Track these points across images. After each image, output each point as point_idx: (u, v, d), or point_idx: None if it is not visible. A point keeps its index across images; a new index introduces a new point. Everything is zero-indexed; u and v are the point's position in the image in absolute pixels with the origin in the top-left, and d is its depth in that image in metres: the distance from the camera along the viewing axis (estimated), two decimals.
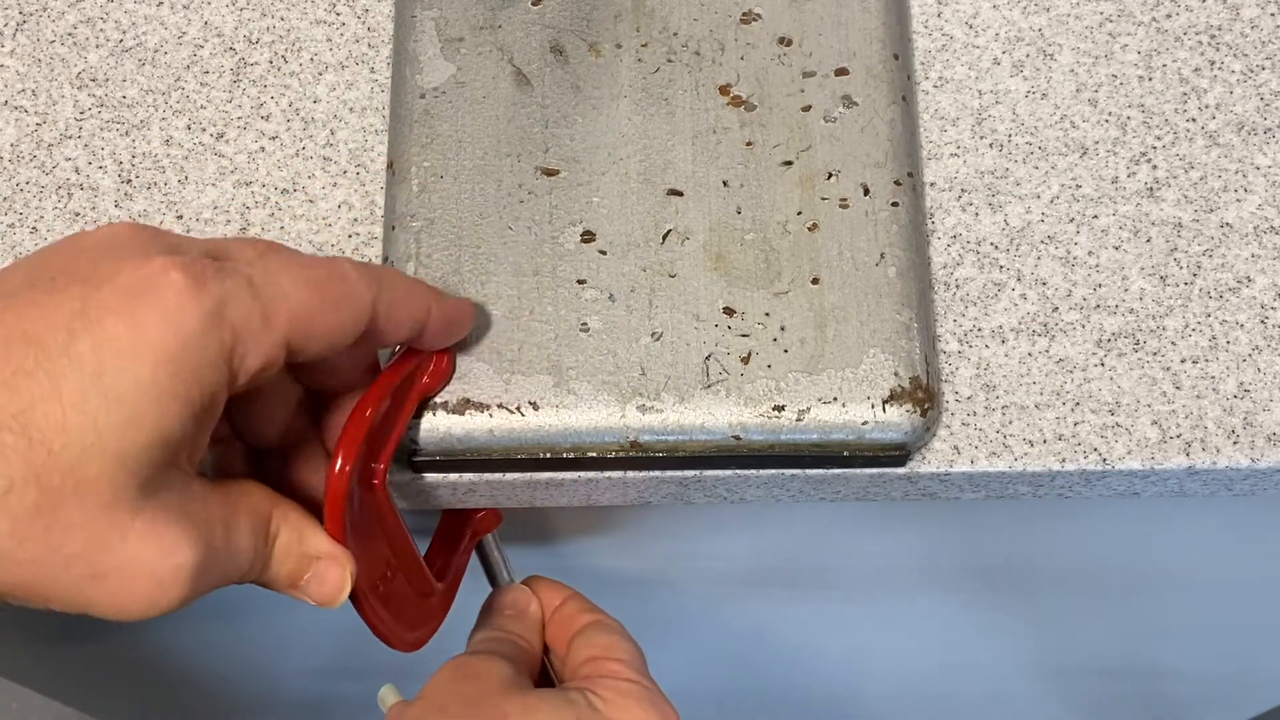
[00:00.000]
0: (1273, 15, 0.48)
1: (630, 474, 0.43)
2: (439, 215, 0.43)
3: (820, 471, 0.43)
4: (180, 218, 0.46)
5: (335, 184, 0.47)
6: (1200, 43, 0.48)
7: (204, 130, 0.47)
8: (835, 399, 0.41)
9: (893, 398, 0.41)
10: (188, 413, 0.31)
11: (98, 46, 0.49)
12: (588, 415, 0.41)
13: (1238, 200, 0.46)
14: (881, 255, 0.43)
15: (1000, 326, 0.44)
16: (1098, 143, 0.46)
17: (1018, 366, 0.44)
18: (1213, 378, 0.43)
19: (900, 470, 0.43)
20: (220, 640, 0.78)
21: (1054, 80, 0.47)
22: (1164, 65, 0.47)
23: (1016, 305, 0.44)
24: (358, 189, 0.47)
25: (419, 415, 0.41)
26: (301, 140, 0.47)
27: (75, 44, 0.49)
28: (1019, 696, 0.91)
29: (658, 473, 0.43)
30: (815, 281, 0.42)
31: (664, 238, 0.43)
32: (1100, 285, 0.45)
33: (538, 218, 0.43)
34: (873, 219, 0.43)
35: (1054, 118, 0.47)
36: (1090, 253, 0.45)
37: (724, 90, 0.45)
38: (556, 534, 0.60)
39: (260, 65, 0.48)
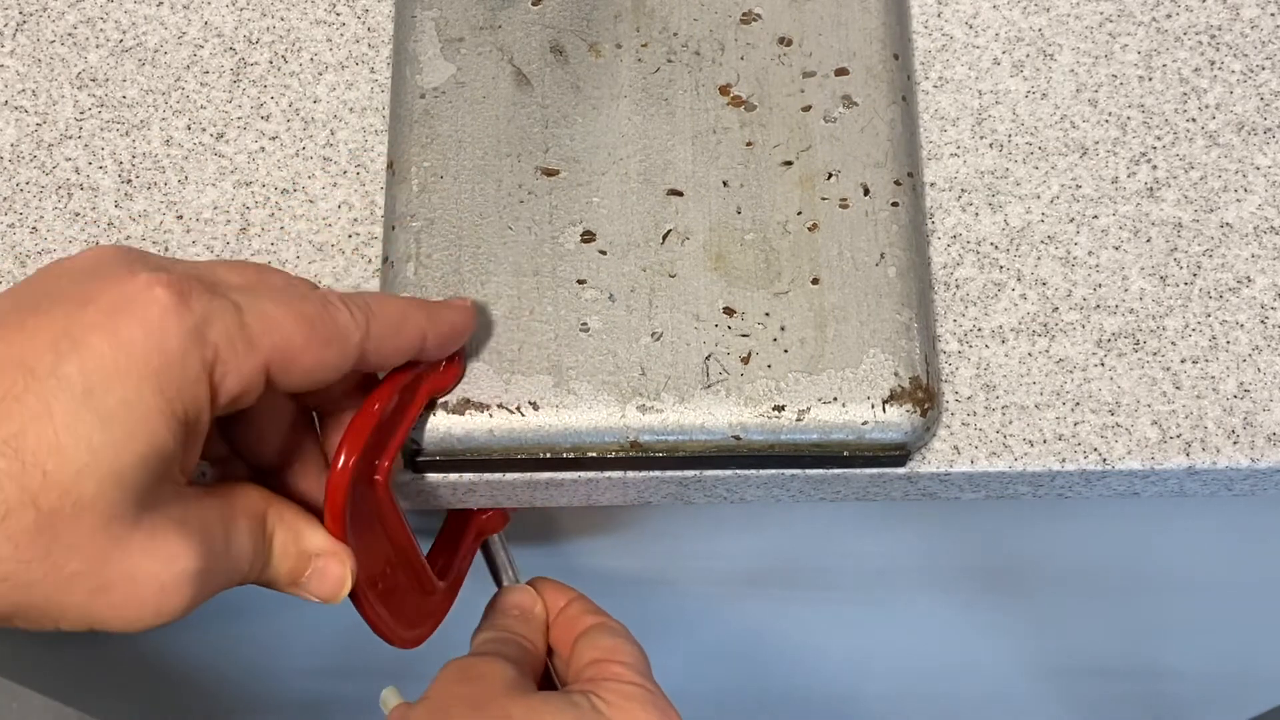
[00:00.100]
0: (1273, 15, 0.48)
1: (630, 474, 0.43)
2: (439, 215, 0.43)
3: (820, 471, 0.43)
4: (180, 218, 0.46)
5: (335, 184, 0.47)
6: (1200, 43, 0.48)
7: (204, 130, 0.47)
8: (835, 399, 0.41)
9: (893, 398, 0.41)
10: (176, 427, 0.31)
11: (98, 46, 0.49)
12: (588, 415, 0.41)
13: (1238, 200, 0.46)
14: (881, 255, 0.43)
15: (1000, 326, 0.44)
16: (1098, 143, 0.46)
17: (1018, 366, 0.44)
18: (1213, 378, 0.43)
19: (900, 470, 0.43)
20: (220, 640, 0.78)
21: (1054, 80, 0.47)
22: (1164, 65, 0.47)
23: (1016, 305, 0.44)
24: (358, 189, 0.47)
25: (426, 414, 0.41)
26: (301, 140, 0.47)
27: (75, 44, 0.49)
28: (1019, 696, 0.91)
29: (658, 473, 0.43)
30: (815, 281, 0.42)
31: (664, 238, 0.43)
32: (1100, 285, 0.45)
33: (538, 218, 0.43)
34: (873, 219, 0.43)
35: (1054, 118, 0.47)
36: (1090, 253, 0.45)
37: (724, 90, 0.45)
38: (556, 534, 0.60)
39: (260, 65, 0.48)
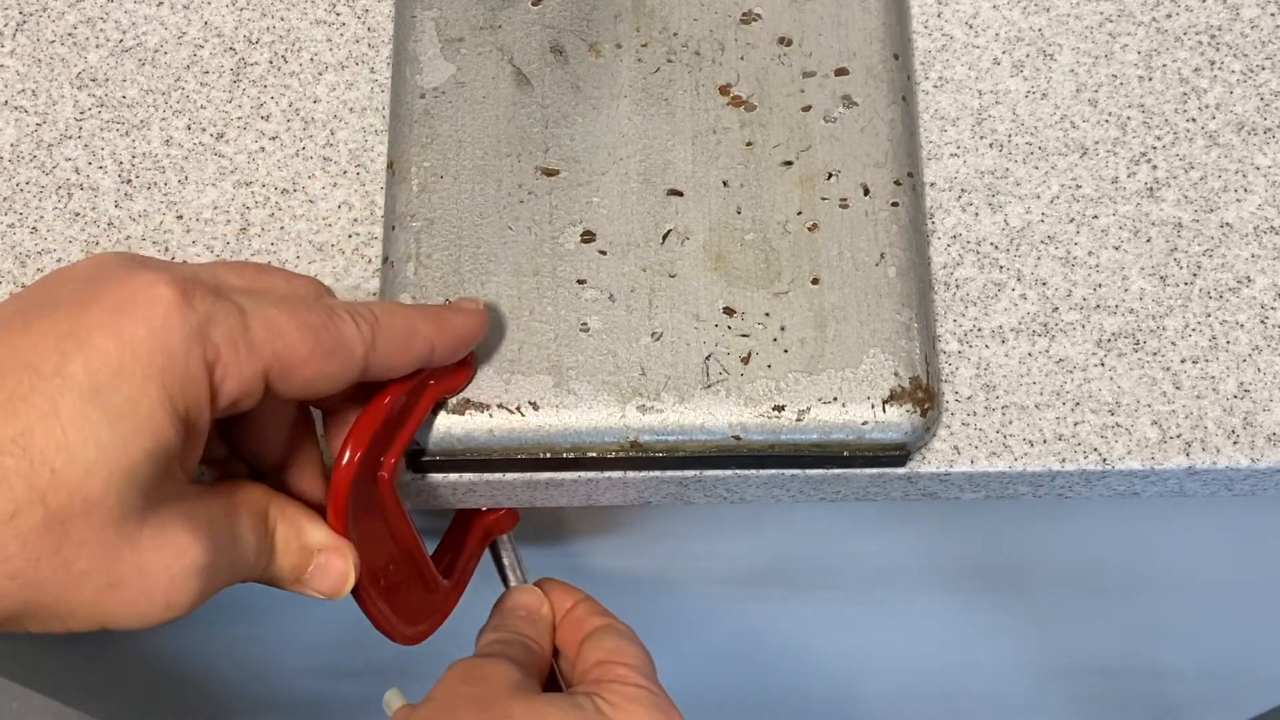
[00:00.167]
0: (1273, 15, 0.48)
1: (630, 474, 0.43)
2: (439, 215, 0.43)
3: (820, 471, 0.43)
4: (180, 218, 0.46)
5: (335, 184, 0.47)
6: (1200, 43, 0.48)
7: (204, 130, 0.47)
8: (835, 399, 0.41)
9: (893, 398, 0.41)
10: (180, 424, 0.31)
11: (98, 46, 0.49)
12: (588, 415, 0.41)
13: (1238, 200, 0.46)
14: (881, 255, 0.43)
15: (1000, 326, 0.44)
16: (1098, 143, 0.46)
17: (1018, 366, 0.44)
18: (1213, 378, 0.43)
19: (900, 470, 0.43)
20: (220, 640, 0.78)
21: (1054, 80, 0.47)
22: (1164, 65, 0.47)
23: (1016, 305, 0.44)
24: (358, 189, 0.47)
25: (435, 413, 0.41)
26: (301, 140, 0.47)
27: (75, 44, 0.49)
28: (1019, 696, 0.91)
29: (658, 473, 0.43)
30: (815, 281, 0.42)
31: (664, 238, 0.43)
32: (1100, 285, 0.45)
33: (538, 218, 0.43)
34: (873, 219, 0.43)
35: (1054, 118, 0.47)
36: (1090, 253, 0.45)
37: (724, 90, 0.45)
38: (557, 534, 0.60)
39: (260, 65, 0.48)
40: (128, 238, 0.46)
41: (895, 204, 0.43)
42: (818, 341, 0.42)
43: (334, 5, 0.49)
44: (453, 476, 0.43)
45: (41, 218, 0.46)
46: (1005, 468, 0.43)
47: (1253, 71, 0.47)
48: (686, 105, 0.45)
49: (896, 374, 0.41)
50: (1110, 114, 0.47)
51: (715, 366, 0.41)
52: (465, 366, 0.41)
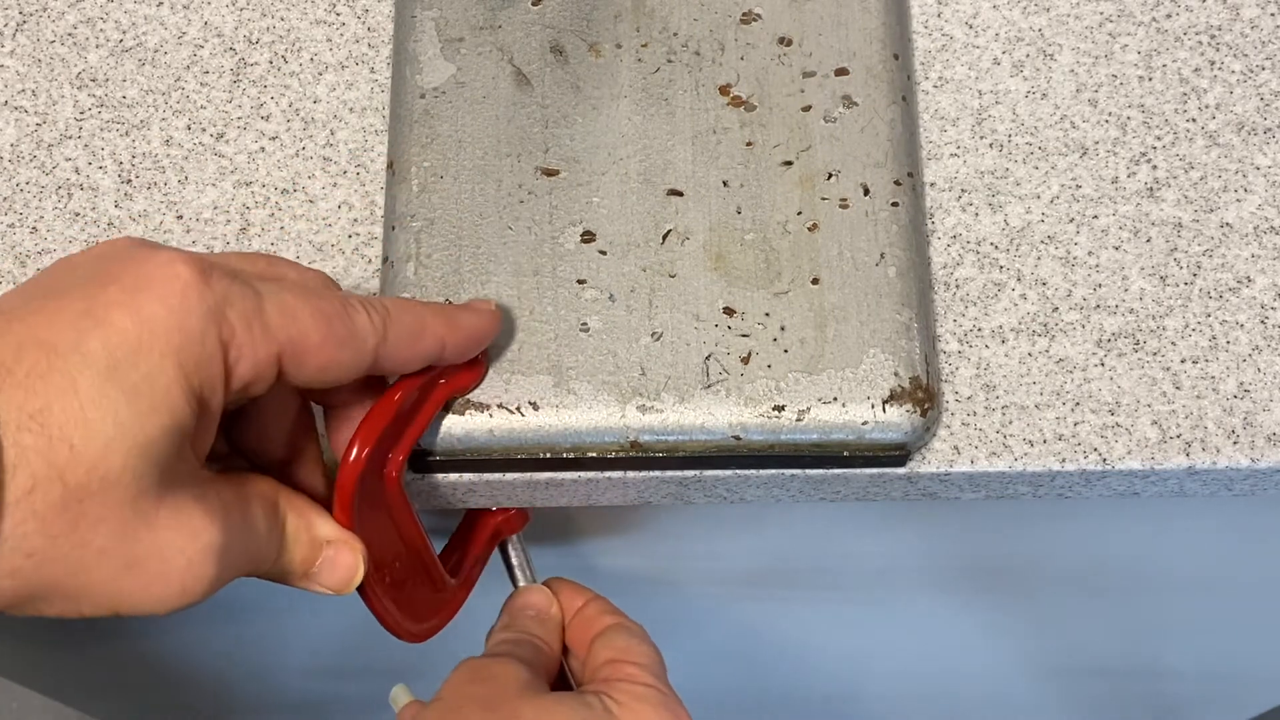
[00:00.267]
0: (1273, 15, 0.48)
1: (630, 474, 0.43)
2: (439, 215, 0.43)
3: (820, 471, 0.43)
4: (180, 218, 0.46)
5: (335, 184, 0.47)
6: (1200, 43, 0.48)
7: (204, 130, 0.47)
8: (835, 399, 0.41)
9: (893, 398, 0.41)
10: (195, 402, 0.31)
11: (98, 46, 0.49)
12: (588, 415, 0.41)
13: (1238, 200, 0.46)
14: (881, 255, 0.43)
15: (1000, 326, 0.44)
16: (1098, 143, 0.46)
17: (1018, 366, 0.44)
18: (1213, 378, 0.43)
19: (900, 470, 0.43)
20: (220, 641, 0.78)
21: (1054, 80, 0.47)
22: (1164, 65, 0.47)
23: (1016, 305, 0.44)
24: (358, 189, 0.47)
25: (444, 412, 0.41)
26: (301, 140, 0.47)
27: (75, 44, 0.49)
28: (1019, 696, 0.91)
29: (658, 473, 0.43)
30: (815, 281, 0.42)
31: (664, 238, 0.43)
32: (1100, 285, 0.45)
33: (538, 218, 0.43)
34: (873, 219, 0.43)
35: (1054, 118, 0.47)
36: (1090, 253, 0.45)
37: (724, 90, 0.45)
38: (557, 534, 0.60)
39: (260, 65, 0.48)
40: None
41: (895, 204, 0.43)
42: (818, 341, 0.42)
43: (334, 5, 0.49)
44: (453, 476, 0.43)
45: (41, 218, 0.46)
46: (1005, 468, 0.43)
47: (1253, 71, 0.47)
48: (686, 105, 0.45)
49: (896, 374, 0.41)
50: (1110, 114, 0.47)
51: (715, 366, 0.41)
52: (476, 366, 0.41)
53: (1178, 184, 0.46)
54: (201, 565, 0.32)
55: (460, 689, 0.42)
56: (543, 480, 0.43)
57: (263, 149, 0.47)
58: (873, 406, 0.41)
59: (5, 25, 0.49)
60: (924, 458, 0.43)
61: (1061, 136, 0.46)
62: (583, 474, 0.43)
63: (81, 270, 0.32)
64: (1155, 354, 0.44)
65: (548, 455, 0.42)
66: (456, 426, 0.41)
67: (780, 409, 0.41)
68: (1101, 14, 0.48)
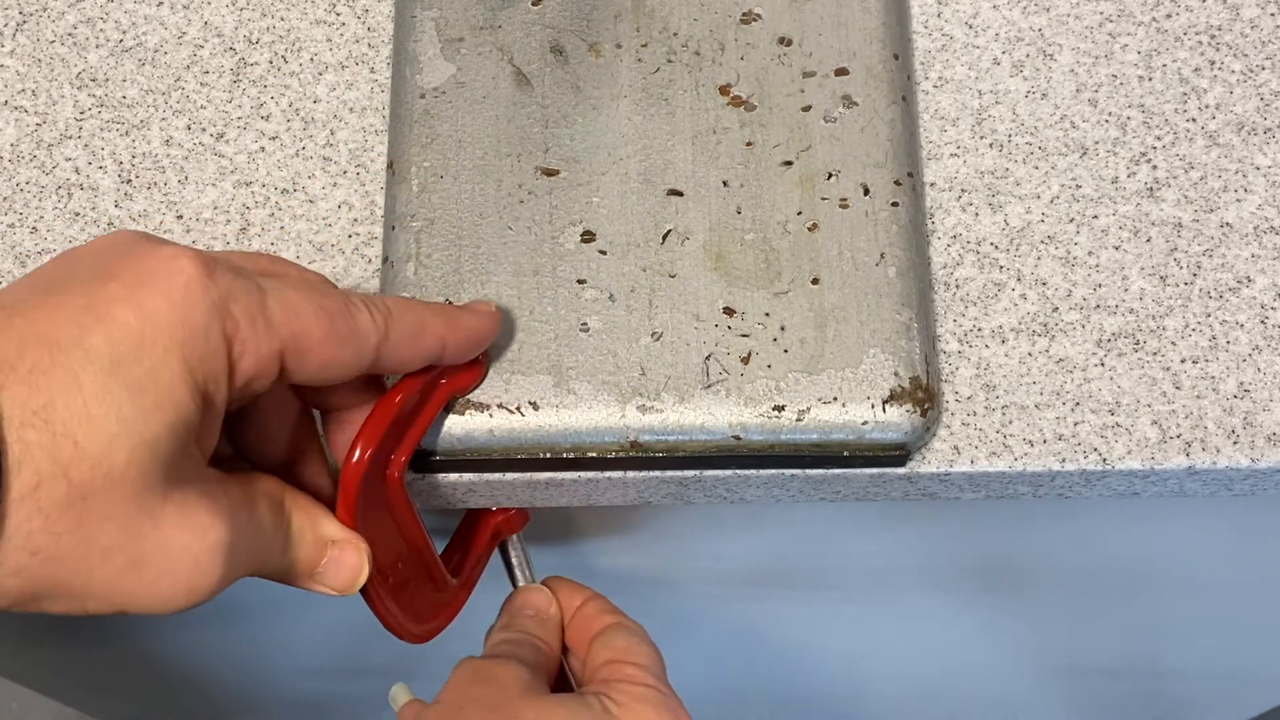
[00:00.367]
0: (1273, 15, 0.48)
1: (630, 474, 0.43)
2: (439, 215, 0.43)
3: (820, 471, 0.43)
4: (180, 218, 0.46)
5: (335, 184, 0.47)
6: (1200, 43, 0.48)
7: (204, 130, 0.47)
8: (835, 399, 0.41)
9: (893, 398, 0.41)
10: (199, 397, 0.31)
11: (98, 46, 0.49)
12: (588, 415, 0.41)
13: (1238, 200, 0.46)
14: (881, 255, 0.43)
15: (1000, 326, 0.44)
16: (1098, 143, 0.46)
17: (1018, 366, 0.44)
18: (1213, 378, 0.43)
19: (900, 470, 0.43)
20: (219, 641, 0.78)
21: (1054, 80, 0.47)
22: (1164, 65, 0.47)
23: (1016, 305, 0.44)
24: (358, 189, 0.47)
25: (446, 413, 0.41)
26: (301, 140, 0.47)
27: (75, 44, 0.49)
28: (1019, 696, 0.91)
29: (658, 473, 0.43)
30: (815, 281, 0.42)
31: (664, 238, 0.43)
32: (1100, 285, 0.45)
33: (538, 218, 0.43)
34: (873, 219, 0.43)
35: (1054, 118, 0.47)
36: (1090, 253, 0.45)
37: (724, 90, 0.45)
38: (557, 534, 0.60)
39: (260, 65, 0.48)
40: None
41: (895, 204, 0.43)
42: (818, 341, 0.42)
43: (334, 5, 0.49)
44: (452, 476, 0.43)
45: (41, 218, 0.46)
46: (1005, 468, 0.43)
47: (1253, 71, 0.47)
48: (686, 105, 0.45)
49: (896, 374, 0.41)
50: (1110, 114, 0.47)
51: (715, 366, 0.41)
52: (477, 366, 0.41)
53: (1178, 184, 0.46)
54: (208, 564, 0.31)
55: (462, 690, 0.42)
56: (543, 480, 0.43)
57: (263, 149, 0.47)
58: (873, 406, 0.41)
59: (5, 25, 0.49)
60: (924, 458, 0.43)
61: (1061, 136, 0.46)
62: (583, 474, 0.43)
63: (84, 264, 0.32)
64: (1155, 354, 0.44)
65: (548, 455, 0.42)
66: (457, 426, 0.41)
67: (780, 409, 0.41)
68: (1101, 14, 0.48)
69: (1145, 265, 0.45)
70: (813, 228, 0.43)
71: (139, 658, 0.81)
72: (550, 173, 0.44)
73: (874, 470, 0.43)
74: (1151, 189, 0.46)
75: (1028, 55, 0.48)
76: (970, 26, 0.48)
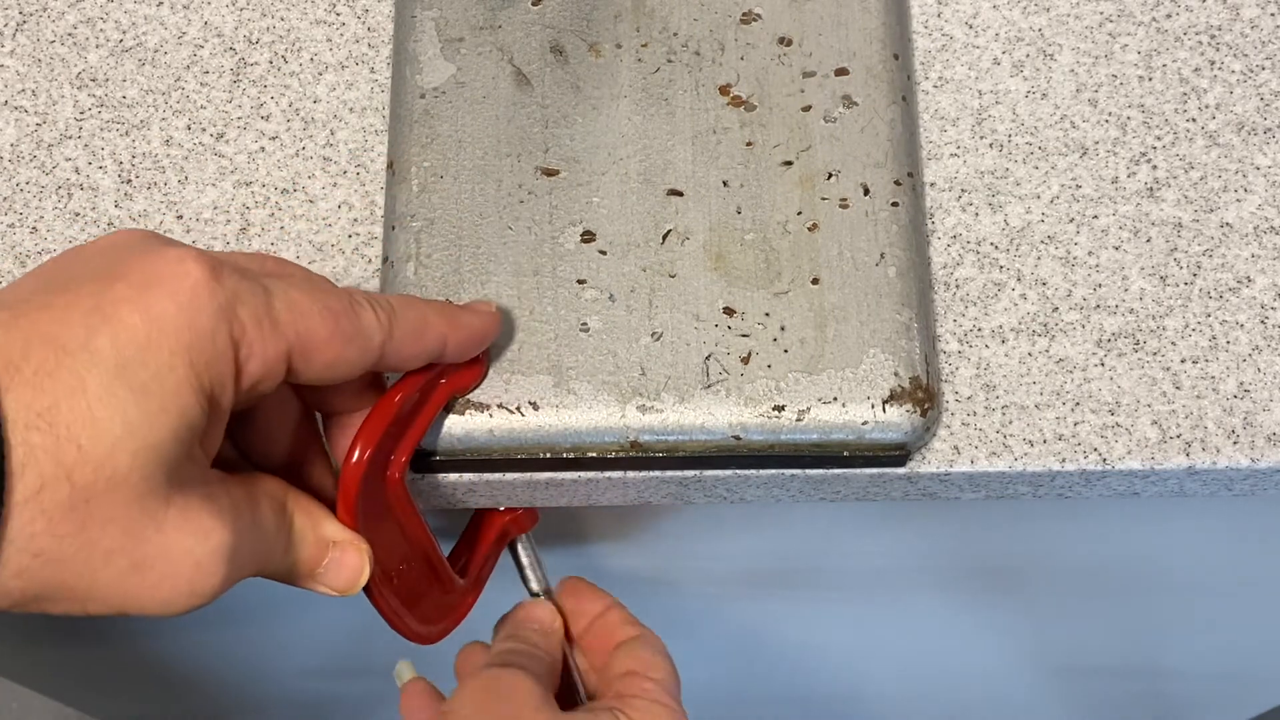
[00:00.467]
0: (1273, 15, 0.48)
1: (630, 474, 0.43)
2: (439, 215, 0.43)
3: (820, 471, 0.43)
4: (180, 218, 0.46)
5: (335, 184, 0.47)
6: (1200, 43, 0.48)
7: (204, 130, 0.47)
8: (835, 399, 0.41)
9: (893, 398, 0.41)
10: (205, 401, 0.31)
11: (98, 46, 0.49)
12: (588, 415, 0.41)
13: (1238, 200, 0.46)
14: (881, 255, 0.43)
15: (1000, 326, 0.44)
16: (1098, 143, 0.46)
17: (1018, 366, 0.44)
18: (1213, 378, 0.43)
19: (900, 470, 0.43)
20: (219, 641, 0.78)
21: (1054, 80, 0.47)
22: (1164, 65, 0.47)
23: (1016, 305, 0.44)
24: (358, 189, 0.47)
25: (445, 412, 0.41)
26: (301, 140, 0.47)
27: (75, 44, 0.49)
28: (1019, 696, 0.91)
29: (658, 473, 0.43)
30: (815, 281, 0.42)
31: (664, 238, 0.43)
32: (1100, 285, 0.45)
33: (538, 218, 0.43)
34: (873, 219, 0.43)
35: (1054, 118, 0.47)
36: (1090, 253, 0.45)
37: (724, 90, 0.45)
38: (557, 534, 0.60)
39: (260, 65, 0.48)
40: None
41: (895, 204, 0.43)
42: (818, 341, 0.42)
43: (334, 5, 0.49)
44: (452, 476, 0.43)
45: (41, 218, 0.46)
46: (1005, 468, 0.43)
47: (1253, 71, 0.47)
48: (686, 105, 0.45)
49: (896, 374, 0.41)
50: (1110, 114, 0.47)
51: (715, 366, 0.41)
52: (477, 366, 0.41)
53: (1178, 184, 0.46)
54: (211, 566, 0.31)
55: (478, 703, 0.41)
56: (543, 480, 0.43)
57: (263, 149, 0.47)
58: (873, 406, 0.41)
59: (5, 25, 0.49)
60: (924, 458, 0.43)
61: (1061, 136, 0.47)
62: (583, 474, 0.43)
63: (90, 264, 0.32)
64: (1155, 354, 0.44)
65: (548, 455, 0.42)
66: (456, 426, 0.41)
67: (780, 409, 0.41)
68: (1101, 14, 0.48)
69: (1145, 265, 0.45)
70: (813, 228, 0.43)
71: (139, 658, 0.81)
72: (550, 173, 0.44)
73: (874, 470, 0.43)
74: (1151, 189, 0.46)
75: (1028, 55, 0.48)
76: (970, 26, 0.48)
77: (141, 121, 0.48)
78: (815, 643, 0.79)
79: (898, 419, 0.41)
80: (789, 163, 0.44)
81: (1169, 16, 0.48)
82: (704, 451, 0.41)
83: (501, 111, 0.45)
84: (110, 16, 0.49)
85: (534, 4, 0.46)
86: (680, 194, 0.44)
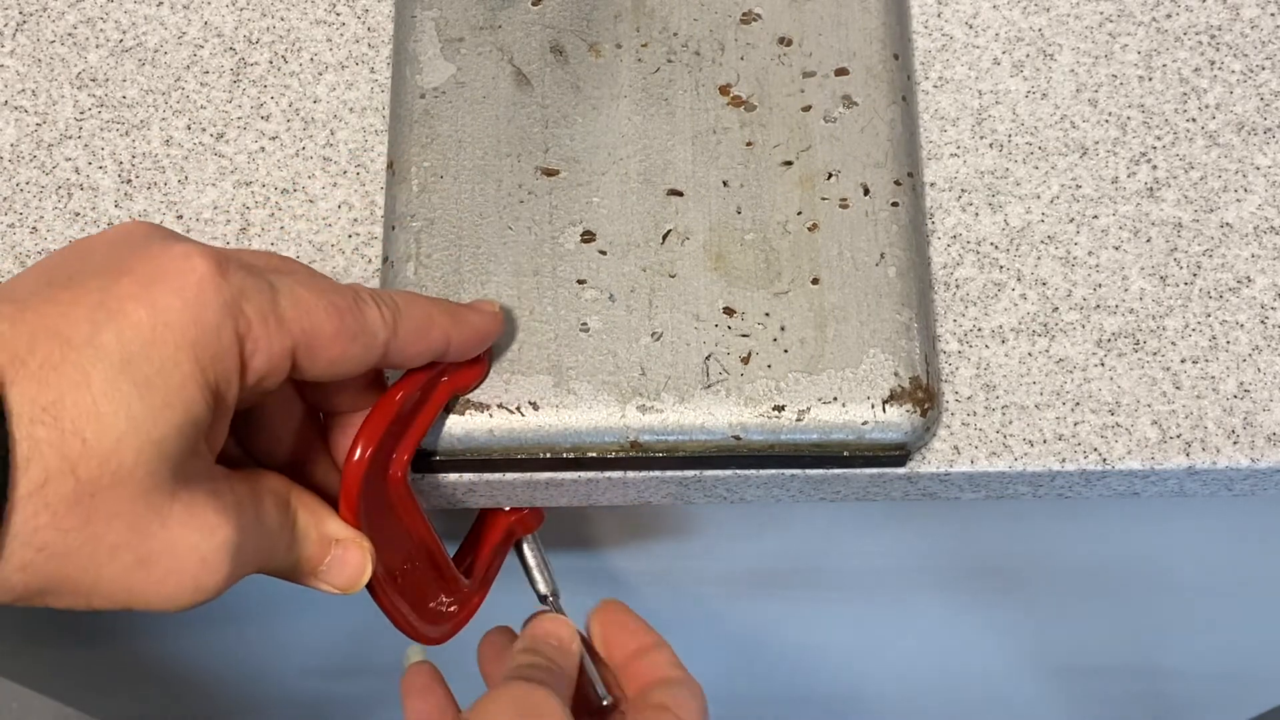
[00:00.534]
0: (1273, 15, 0.48)
1: (630, 474, 0.43)
2: (439, 215, 0.43)
3: (820, 471, 0.43)
4: (180, 218, 0.46)
5: (335, 184, 0.47)
6: (1200, 43, 0.48)
7: (204, 130, 0.47)
8: (835, 399, 0.41)
9: (893, 398, 0.41)
10: (210, 396, 0.31)
11: (98, 46, 0.49)
12: (588, 415, 0.41)
13: (1238, 200, 0.46)
14: (881, 255, 0.43)
15: (1000, 326, 0.44)
16: (1098, 143, 0.46)
17: (1018, 366, 0.44)
18: (1213, 378, 0.43)
19: (900, 470, 0.43)
20: (220, 641, 0.78)
21: (1054, 80, 0.47)
22: (1164, 65, 0.47)
23: (1016, 305, 0.44)
24: (358, 189, 0.47)
25: (447, 411, 0.41)
26: (301, 140, 0.47)
27: (75, 44, 0.49)
28: (1019, 696, 0.91)
29: (658, 473, 0.43)
30: (815, 281, 0.42)
31: (664, 238, 0.43)
32: (1100, 285, 0.45)
33: (538, 218, 0.43)
34: (873, 219, 0.43)
35: (1054, 118, 0.47)
36: (1090, 253, 0.45)
37: (724, 90, 0.45)
38: (557, 534, 0.60)
39: (260, 65, 0.48)
40: None
41: (895, 204, 0.43)
42: (818, 341, 0.42)
43: (334, 5, 0.49)
44: (453, 476, 0.43)
45: (41, 218, 0.46)
46: (1005, 468, 0.43)
47: (1253, 71, 0.47)
48: (686, 105, 0.45)
49: (896, 374, 0.41)
50: (1110, 114, 0.47)
51: (715, 366, 0.41)
52: (478, 365, 0.41)
53: (1178, 184, 0.46)
54: (215, 562, 0.31)
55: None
56: (543, 480, 0.43)
57: (263, 149, 0.47)
58: (873, 406, 0.41)
59: (5, 25, 0.49)
60: (924, 458, 0.43)
61: (1061, 136, 0.47)
62: (583, 474, 0.43)
63: (96, 258, 0.32)
64: (1155, 354, 0.44)
65: (548, 455, 0.42)
66: (457, 426, 0.41)
67: (780, 409, 0.41)
68: (1101, 14, 0.48)
69: (1145, 265, 0.45)
70: (813, 228, 0.43)
71: (139, 658, 0.81)
72: (550, 173, 0.44)
73: (874, 470, 0.43)
74: (1151, 189, 0.46)
75: (1028, 55, 0.48)
76: (970, 26, 0.48)
77: (141, 121, 0.48)
78: (815, 643, 0.79)
79: (898, 419, 0.41)
80: (789, 163, 0.44)
81: (1169, 16, 0.48)
82: (704, 451, 0.41)
83: (501, 111, 0.45)
84: (110, 16, 0.49)
85: (534, 4, 0.46)
86: (680, 194, 0.44)
